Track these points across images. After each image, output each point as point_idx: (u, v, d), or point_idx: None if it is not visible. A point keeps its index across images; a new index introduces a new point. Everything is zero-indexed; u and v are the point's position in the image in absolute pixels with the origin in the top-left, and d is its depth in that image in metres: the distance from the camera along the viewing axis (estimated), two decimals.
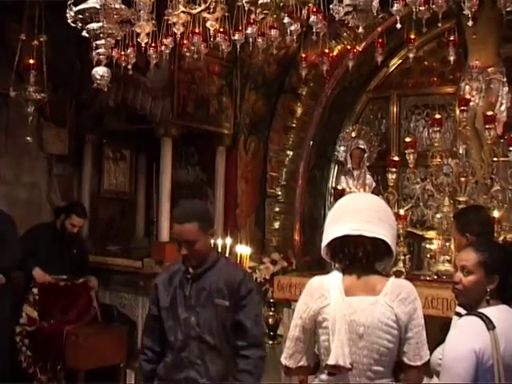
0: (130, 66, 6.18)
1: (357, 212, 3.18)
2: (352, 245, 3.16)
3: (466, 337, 3.21)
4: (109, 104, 8.20)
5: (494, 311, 3.26)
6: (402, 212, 6.66)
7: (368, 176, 9.02)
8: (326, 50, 7.79)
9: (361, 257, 3.17)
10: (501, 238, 5.99)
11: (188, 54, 6.15)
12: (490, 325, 3.18)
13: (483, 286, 3.33)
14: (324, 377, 3.18)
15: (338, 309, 3.08)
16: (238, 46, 5.85)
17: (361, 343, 3.07)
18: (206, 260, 4.06)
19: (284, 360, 3.27)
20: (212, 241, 4.22)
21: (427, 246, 7.44)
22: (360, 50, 8.19)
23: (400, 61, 9.50)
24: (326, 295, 3.13)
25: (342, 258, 3.24)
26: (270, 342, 8.54)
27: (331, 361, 3.02)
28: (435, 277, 6.40)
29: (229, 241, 6.99)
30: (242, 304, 4.01)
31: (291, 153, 9.51)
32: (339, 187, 8.51)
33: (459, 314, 3.72)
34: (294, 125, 9.45)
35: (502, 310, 3.30)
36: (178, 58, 7.80)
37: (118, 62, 6.09)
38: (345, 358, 3.01)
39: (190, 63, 7.66)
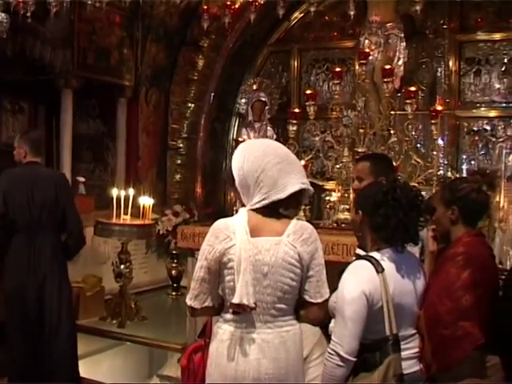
0: (28, 14, 6.04)
1: (296, 163, 3.31)
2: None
3: (357, 280, 3.35)
4: (6, 53, 7.96)
5: (382, 254, 3.42)
6: (302, 162, 6.76)
7: (269, 128, 9.11)
8: (228, 3, 7.81)
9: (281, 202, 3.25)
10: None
11: (89, 1, 6.06)
12: (378, 267, 3.33)
13: (356, 222, 3.58)
14: (228, 316, 3.25)
15: (243, 249, 3.13)
16: None
17: (265, 282, 3.16)
18: None
19: (189, 301, 3.31)
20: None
21: (327, 197, 7.64)
22: (262, 2, 8.20)
23: (301, 15, 9.54)
24: (232, 236, 3.18)
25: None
26: (174, 294, 8.63)
27: (236, 300, 3.08)
28: (335, 225, 6.56)
29: (131, 192, 6.97)
30: None
31: (193, 105, 9.50)
32: (240, 139, 8.55)
33: (359, 256, 3.88)
34: (195, 77, 9.42)
35: (390, 252, 3.43)
36: (79, 7, 7.66)
37: (16, 10, 5.94)
38: (249, 297, 3.08)
39: (90, 13, 7.56)
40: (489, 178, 3.85)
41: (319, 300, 3.26)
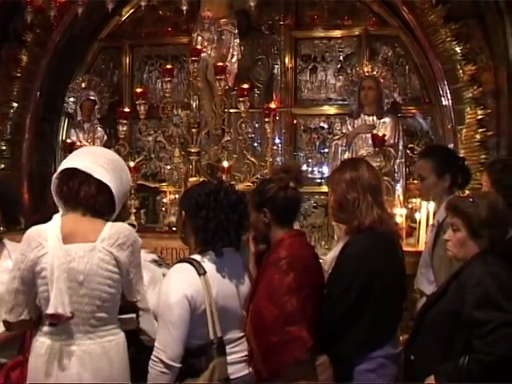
0: None
1: (94, 156, 3.25)
2: (78, 181, 3.16)
3: (178, 283, 3.30)
4: None
5: (203, 256, 3.38)
6: (132, 164, 6.61)
7: (99, 129, 8.80)
8: None
9: (82, 196, 3.16)
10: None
11: None
12: (200, 270, 3.29)
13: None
14: (46, 328, 3.15)
15: (55, 257, 3.02)
16: None
17: (81, 291, 3.06)
18: None
19: (4, 314, 3.19)
20: None
21: (163, 199, 7.49)
22: None
23: (133, 9, 9.17)
24: (44, 244, 3.08)
25: (65, 192, 3.22)
26: None
27: (50, 310, 2.99)
28: (167, 228, 6.45)
29: None
30: None
31: (16, 104, 8.91)
32: (69, 140, 8.25)
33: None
34: (19, 74, 8.84)
35: (212, 255, 3.39)
36: None
37: None
38: (64, 307, 2.98)
39: None
40: (294, 173, 3.80)
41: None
